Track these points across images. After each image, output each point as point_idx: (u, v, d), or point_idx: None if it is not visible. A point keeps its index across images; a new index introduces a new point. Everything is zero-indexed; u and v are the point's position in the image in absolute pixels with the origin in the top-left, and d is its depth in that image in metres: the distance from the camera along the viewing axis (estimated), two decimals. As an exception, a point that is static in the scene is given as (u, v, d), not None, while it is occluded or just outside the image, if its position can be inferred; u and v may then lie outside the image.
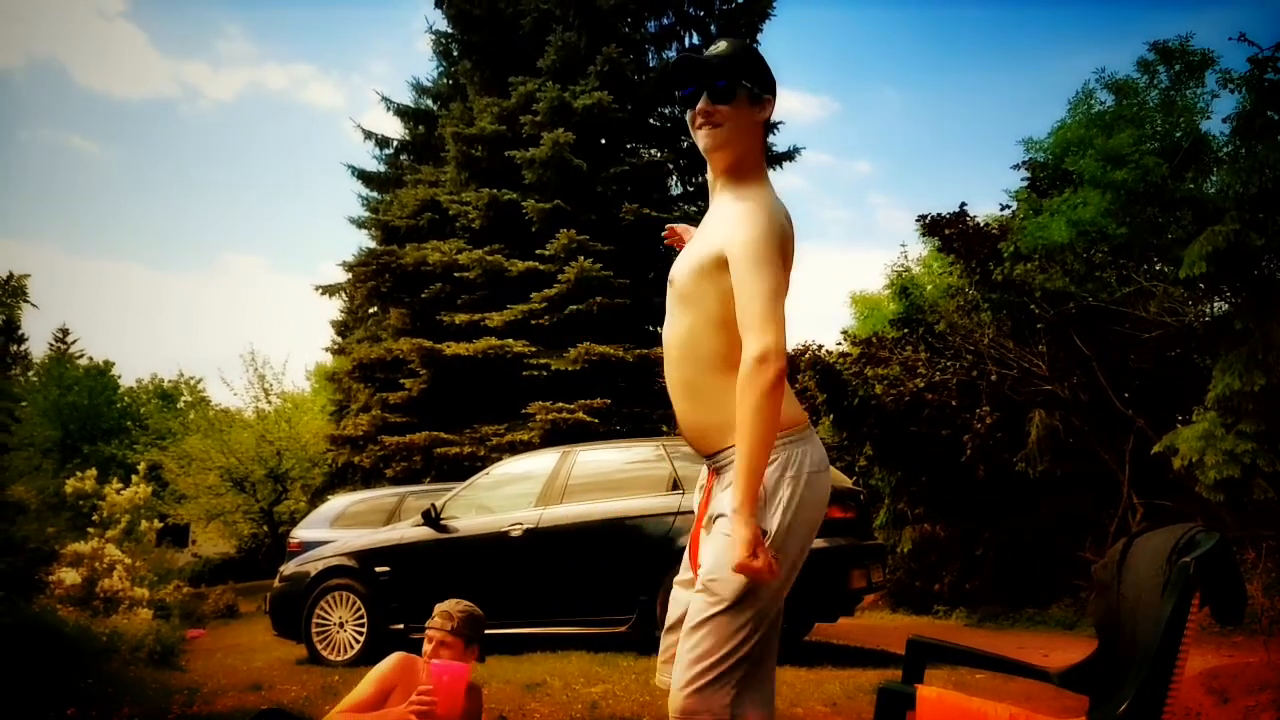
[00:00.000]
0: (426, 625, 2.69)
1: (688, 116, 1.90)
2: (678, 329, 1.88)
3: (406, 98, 18.07)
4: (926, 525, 10.42)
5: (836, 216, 54.47)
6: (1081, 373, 9.16)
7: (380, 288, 14.68)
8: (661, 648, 1.92)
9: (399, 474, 12.74)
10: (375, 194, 18.84)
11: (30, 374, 30.56)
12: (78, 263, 57.27)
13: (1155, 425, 8.47)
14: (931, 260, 14.77)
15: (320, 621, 6.25)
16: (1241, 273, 7.51)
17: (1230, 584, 1.72)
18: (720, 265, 1.77)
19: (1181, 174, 8.22)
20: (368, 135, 18.15)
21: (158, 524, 11.22)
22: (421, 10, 54.47)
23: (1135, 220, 8.08)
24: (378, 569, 6.21)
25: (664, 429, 11.18)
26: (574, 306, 12.36)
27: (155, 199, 57.05)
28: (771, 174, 2.13)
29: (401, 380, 13.38)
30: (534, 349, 12.31)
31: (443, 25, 15.97)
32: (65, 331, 32.63)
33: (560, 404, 11.65)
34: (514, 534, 5.93)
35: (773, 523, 1.71)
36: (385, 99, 17.25)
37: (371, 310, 18.74)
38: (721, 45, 1.90)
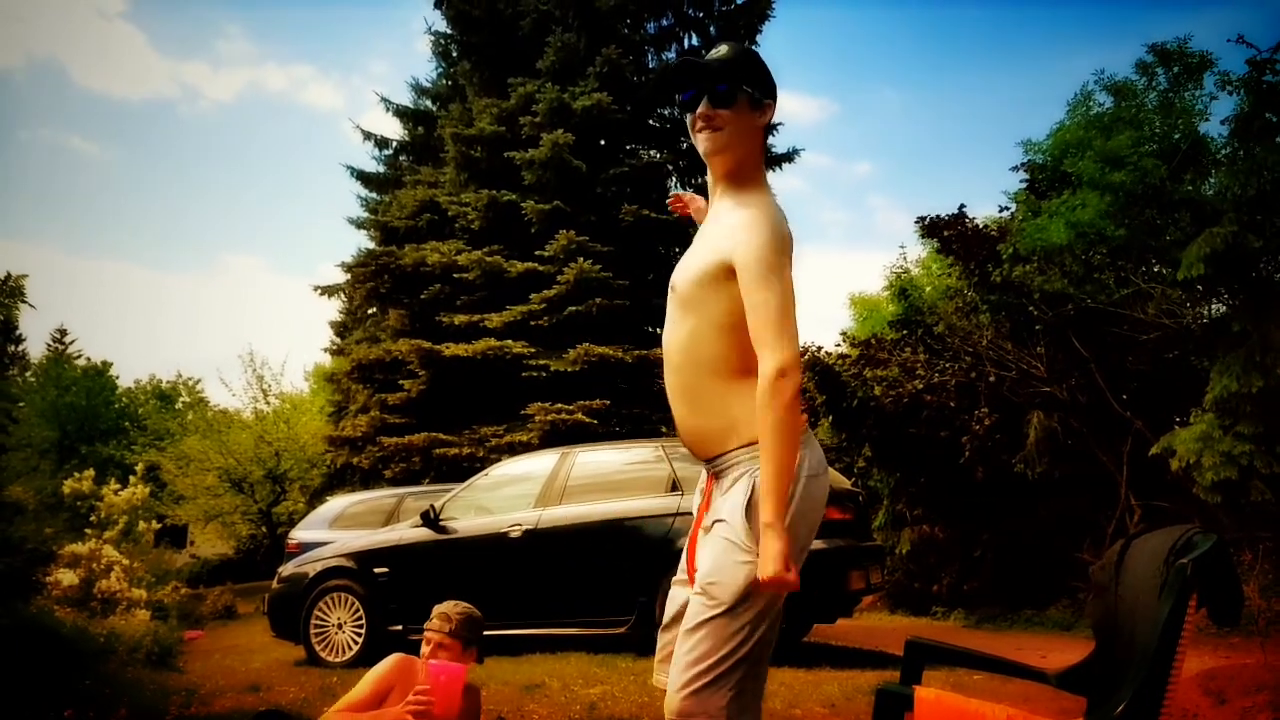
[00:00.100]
0: (425, 627, 2.69)
1: (688, 120, 1.90)
2: (679, 334, 1.87)
3: (406, 98, 18.10)
4: (925, 526, 10.42)
5: (836, 218, 54.54)
6: (1080, 374, 9.18)
7: (379, 289, 14.66)
8: (658, 646, 1.93)
9: (398, 475, 12.73)
10: (374, 195, 18.84)
11: (28, 374, 30.54)
12: (77, 263, 57.31)
13: (1153, 427, 8.48)
14: (930, 262, 14.80)
15: (319, 623, 6.25)
16: (1239, 275, 7.51)
17: (1227, 585, 1.72)
18: (724, 272, 1.77)
19: (1180, 176, 8.23)
20: (367, 136, 18.18)
21: (155, 525, 11.23)
22: (421, 11, 54.31)
23: (1134, 222, 8.10)
24: (376, 570, 6.20)
25: (663, 430, 11.18)
26: (573, 307, 12.36)
27: (155, 199, 57.11)
28: (771, 175, 2.14)
29: (400, 381, 13.36)
30: (533, 350, 12.31)
31: (442, 26, 15.99)
32: (63, 332, 32.71)
33: (559, 405, 11.65)
34: (513, 535, 5.93)
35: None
36: (384, 100, 17.26)
37: (370, 311, 18.71)
38: (723, 49, 1.90)
